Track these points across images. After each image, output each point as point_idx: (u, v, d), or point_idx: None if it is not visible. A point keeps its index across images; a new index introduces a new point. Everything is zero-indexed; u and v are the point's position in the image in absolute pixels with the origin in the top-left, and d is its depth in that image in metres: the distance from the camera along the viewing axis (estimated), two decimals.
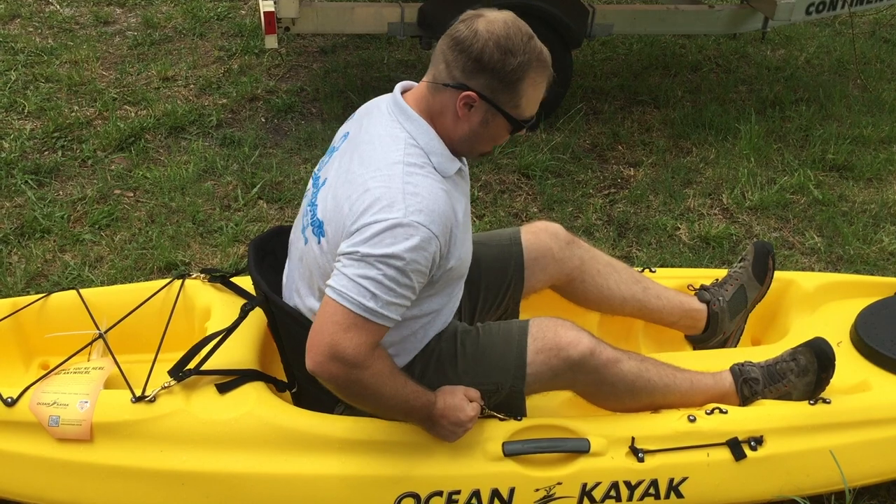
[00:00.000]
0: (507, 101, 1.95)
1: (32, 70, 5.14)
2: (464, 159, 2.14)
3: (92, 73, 5.15)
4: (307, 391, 2.21)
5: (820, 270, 3.71)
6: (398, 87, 2.08)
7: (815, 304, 2.79)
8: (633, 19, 4.83)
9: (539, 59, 1.94)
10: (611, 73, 5.51)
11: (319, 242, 2.02)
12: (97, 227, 3.78)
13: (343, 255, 1.89)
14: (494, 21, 1.93)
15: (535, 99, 1.98)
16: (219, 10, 6.13)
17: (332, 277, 1.91)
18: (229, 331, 2.25)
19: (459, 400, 2.09)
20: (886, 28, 6.44)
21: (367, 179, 1.92)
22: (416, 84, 2.09)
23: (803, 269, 3.71)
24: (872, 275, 3.66)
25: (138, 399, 2.11)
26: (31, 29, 5.73)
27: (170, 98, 4.92)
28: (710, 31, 5.24)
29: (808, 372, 2.31)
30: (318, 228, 2.03)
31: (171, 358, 2.24)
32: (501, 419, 2.18)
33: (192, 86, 5.09)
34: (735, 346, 2.72)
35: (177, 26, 5.87)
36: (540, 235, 2.53)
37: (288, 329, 2.16)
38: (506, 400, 2.19)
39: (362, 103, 2.23)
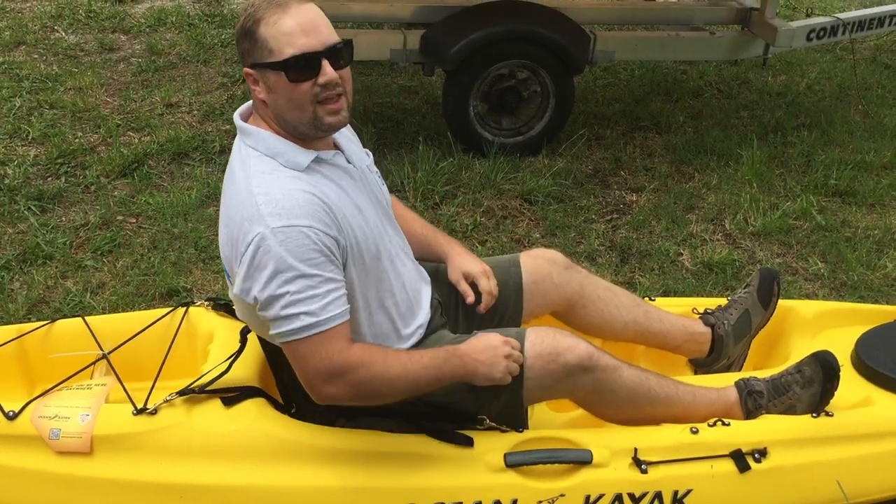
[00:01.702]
0: (260, 53, 1.92)
1: (37, 96, 5.18)
2: (341, 146, 2.13)
3: (96, 99, 5.19)
4: (306, 410, 2.20)
5: (824, 296, 3.70)
6: (237, 113, 2.10)
7: (816, 330, 2.77)
8: (634, 46, 4.87)
9: (269, 4, 1.91)
10: (612, 99, 5.54)
11: (231, 278, 2.03)
12: (99, 253, 3.79)
13: (253, 302, 1.92)
14: None
15: (283, 34, 1.89)
16: (223, 36, 6.19)
17: (269, 328, 1.94)
18: (235, 356, 2.26)
19: (493, 339, 2.08)
20: (887, 54, 6.48)
21: (229, 207, 1.97)
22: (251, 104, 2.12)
23: (807, 295, 3.70)
24: (877, 301, 3.65)
25: (139, 412, 2.11)
26: (35, 56, 5.79)
27: (173, 124, 4.95)
28: (711, 57, 5.29)
29: (814, 383, 2.30)
30: (226, 270, 2.06)
31: (172, 385, 2.24)
32: (503, 431, 2.17)
33: (195, 112, 5.12)
34: (738, 372, 2.70)
35: (181, 53, 5.92)
36: (539, 261, 2.53)
37: (276, 349, 2.15)
38: (506, 407, 2.18)
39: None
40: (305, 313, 1.89)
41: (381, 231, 2.13)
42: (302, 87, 1.93)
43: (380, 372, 1.97)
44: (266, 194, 1.90)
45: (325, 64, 1.92)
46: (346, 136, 2.20)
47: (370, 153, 2.32)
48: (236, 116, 2.08)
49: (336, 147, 2.13)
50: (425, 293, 2.32)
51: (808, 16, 5.65)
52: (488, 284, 2.35)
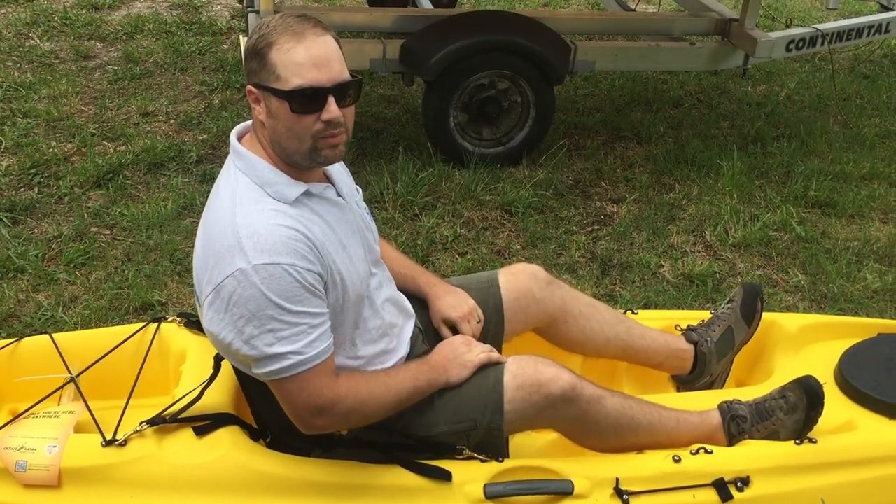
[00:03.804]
0: (267, 77, 1.88)
1: (10, 105, 5.09)
2: (333, 178, 2.10)
3: (71, 108, 5.11)
4: (281, 439, 2.16)
5: (804, 309, 3.70)
6: (234, 131, 2.06)
7: (799, 345, 2.76)
8: (614, 56, 4.84)
9: (286, 28, 1.87)
10: (593, 109, 5.52)
11: (200, 304, 1.99)
12: (72, 265, 3.73)
13: (230, 338, 1.88)
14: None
15: (294, 63, 1.86)
16: (200, 44, 6.11)
17: (253, 367, 1.92)
18: (207, 383, 2.21)
19: (456, 348, 2.19)
20: (865, 64, 6.50)
21: (209, 230, 1.93)
22: (250, 123, 2.08)
23: (788, 307, 3.70)
24: (857, 313, 3.66)
25: (109, 443, 2.05)
26: (9, 63, 5.69)
27: (149, 133, 4.88)
28: (691, 67, 5.28)
29: (797, 409, 2.28)
30: (196, 290, 2.02)
31: (144, 404, 2.19)
32: (483, 461, 2.13)
33: (172, 121, 5.05)
34: (721, 388, 2.69)
35: (158, 61, 5.84)
36: (519, 276, 2.50)
37: (249, 377, 2.11)
38: (486, 438, 2.15)
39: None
40: (292, 352, 1.87)
41: (364, 272, 2.10)
42: (304, 119, 1.89)
43: (365, 397, 1.99)
44: (249, 226, 1.86)
45: (331, 101, 1.89)
46: (339, 169, 2.17)
47: (360, 189, 2.29)
48: (233, 136, 2.04)
49: (328, 179, 2.10)
50: (407, 329, 2.29)
51: (787, 27, 5.67)
52: (469, 329, 2.33)
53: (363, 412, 2.00)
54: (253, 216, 1.88)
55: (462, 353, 2.17)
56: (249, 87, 1.93)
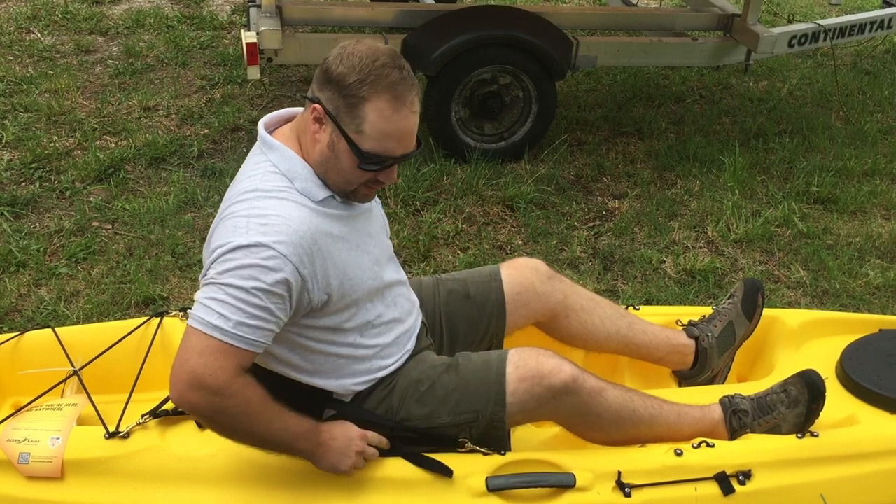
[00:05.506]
0: (349, 122, 1.89)
1: (11, 99, 5.08)
2: None
3: (72, 102, 5.10)
4: None
5: (806, 305, 3.70)
6: (261, 121, 2.07)
7: (800, 340, 2.76)
8: (616, 51, 4.84)
9: (390, 87, 1.86)
10: (595, 105, 5.52)
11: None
12: (74, 260, 3.73)
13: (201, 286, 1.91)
14: (360, 43, 1.92)
15: (382, 131, 1.88)
16: (202, 39, 6.10)
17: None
18: None
19: (351, 430, 2.04)
20: (867, 60, 6.48)
21: (225, 212, 1.94)
22: (281, 114, 2.10)
23: (790, 303, 3.70)
24: (858, 309, 3.66)
25: (111, 435, 2.06)
26: (10, 58, 5.68)
27: (151, 128, 4.88)
28: (693, 63, 5.28)
29: (799, 403, 2.29)
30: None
31: (146, 398, 2.19)
32: (485, 453, 2.13)
33: (173, 115, 5.05)
34: (723, 384, 2.69)
35: (159, 55, 5.83)
36: (521, 270, 2.50)
37: (251, 369, 2.11)
38: (488, 431, 2.15)
39: None
40: (222, 316, 1.84)
41: (377, 269, 2.12)
42: (363, 172, 1.94)
43: (246, 413, 1.89)
44: (263, 209, 1.90)
45: (394, 169, 1.96)
46: None
47: None
48: (261, 126, 2.04)
49: None
50: (415, 325, 2.29)
51: (789, 22, 5.64)
52: None
53: (230, 423, 1.91)
54: (272, 202, 1.91)
55: (345, 459, 2.02)
56: (318, 107, 1.91)
